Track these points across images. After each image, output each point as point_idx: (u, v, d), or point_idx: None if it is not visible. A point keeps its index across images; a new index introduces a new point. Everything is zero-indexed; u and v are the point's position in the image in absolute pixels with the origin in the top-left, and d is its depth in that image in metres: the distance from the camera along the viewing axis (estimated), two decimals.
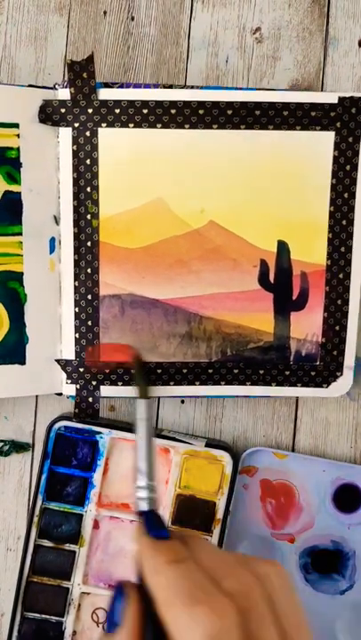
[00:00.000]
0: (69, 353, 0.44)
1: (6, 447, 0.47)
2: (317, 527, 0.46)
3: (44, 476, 0.45)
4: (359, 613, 0.46)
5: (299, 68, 0.46)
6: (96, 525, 0.46)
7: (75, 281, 0.44)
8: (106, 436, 0.45)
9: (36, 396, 0.48)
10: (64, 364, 0.44)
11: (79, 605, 0.46)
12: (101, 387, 0.44)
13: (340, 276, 0.44)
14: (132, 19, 0.46)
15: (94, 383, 0.44)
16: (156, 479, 0.36)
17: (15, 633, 0.45)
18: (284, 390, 0.45)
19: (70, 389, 0.44)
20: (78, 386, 0.44)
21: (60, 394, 0.45)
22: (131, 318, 0.44)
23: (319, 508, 0.46)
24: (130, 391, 0.44)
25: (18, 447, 0.47)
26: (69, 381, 0.44)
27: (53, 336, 0.44)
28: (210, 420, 0.48)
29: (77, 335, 0.44)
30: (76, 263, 0.44)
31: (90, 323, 0.44)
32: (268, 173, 0.44)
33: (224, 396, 0.45)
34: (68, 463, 0.45)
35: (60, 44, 0.47)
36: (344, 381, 0.45)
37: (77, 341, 0.44)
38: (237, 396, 0.45)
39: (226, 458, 0.45)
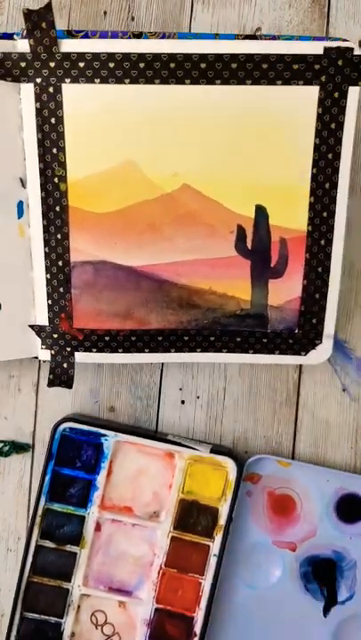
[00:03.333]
0: (43, 319, 0.44)
1: (6, 448, 0.48)
2: (319, 536, 0.46)
3: (47, 477, 0.45)
4: (359, 623, 0.46)
5: None
6: (98, 528, 0.46)
7: (45, 247, 0.43)
8: (110, 439, 0.45)
9: (37, 397, 0.48)
10: (38, 329, 0.44)
11: (79, 607, 0.46)
12: (75, 353, 0.44)
13: (322, 242, 0.42)
14: (133, 19, 0.46)
15: (68, 349, 0.44)
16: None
17: (14, 633, 0.45)
18: (261, 358, 0.44)
19: (45, 354, 0.44)
20: (53, 351, 0.44)
21: (36, 357, 0.45)
22: (103, 285, 0.43)
23: (321, 518, 0.46)
24: (104, 358, 0.44)
25: (18, 448, 0.48)
26: (44, 347, 0.44)
27: (26, 301, 0.44)
28: (210, 420, 0.48)
29: (50, 302, 0.44)
30: (46, 229, 0.42)
31: (62, 289, 0.43)
32: (245, 133, 0.41)
33: (200, 362, 0.45)
34: (72, 465, 0.46)
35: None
36: (323, 349, 0.44)
37: (50, 308, 0.44)
38: (214, 363, 0.45)
39: (230, 464, 0.45)
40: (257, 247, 0.42)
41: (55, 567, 0.46)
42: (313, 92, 0.40)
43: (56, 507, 0.46)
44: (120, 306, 0.43)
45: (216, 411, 0.47)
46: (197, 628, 0.45)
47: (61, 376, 0.44)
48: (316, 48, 0.39)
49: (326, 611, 0.46)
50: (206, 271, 0.43)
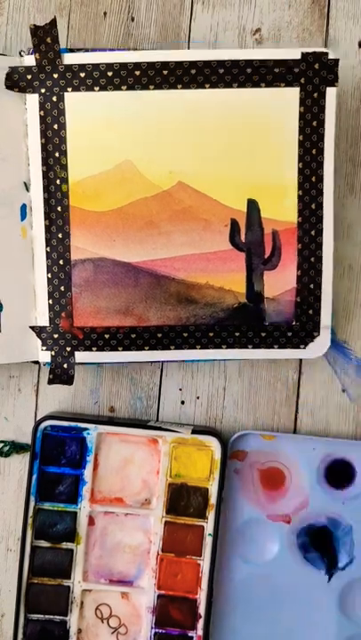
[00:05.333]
0: (44, 320, 0.44)
1: (6, 448, 0.47)
2: (312, 506, 0.47)
3: (34, 477, 0.45)
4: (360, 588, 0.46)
5: None
6: (91, 522, 0.46)
7: (46, 247, 0.44)
8: (93, 432, 0.45)
9: (37, 397, 0.48)
10: (38, 330, 0.44)
11: (82, 603, 0.46)
12: (76, 352, 0.45)
13: (312, 232, 0.44)
14: (133, 20, 0.47)
15: (69, 349, 0.45)
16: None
17: (20, 635, 0.45)
18: (260, 352, 0.45)
19: (45, 356, 0.45)
20: (53, 352, 0.45)
21: (37, 362, 0.45)
22: (103, 282, 0.44)
23: (312, 487, 0.47)
24: (104, 356, 0.45)
25: (18, 448, 0.48)
26: (44, 348, 0.45)
27: (27, 303, 0.45)
28: (210, 420, 0.48)
29: (51, 301, 0.44)
30: (47, 229, 0.44)
31: (63, 288, 0.44)
32: (234, 132, 0.44)
33: (201, 360, 0.46)
34: (57, 462, 0.46)
35: (61, 45, 0.47)
36: (322, 341, 0.45)
37: (51, 307, 0.44)
38: (215, 360, 0.46)
39: (214, 443, 0.45)
40: (250, 239, 0.44)
41: (53, 566, 0.45)
42: (294, 93, 0.44)
43: (47, 506, 0.46)
44: (119, 302, 0.44)
45: (216, 411, 0.48)
46: (201, 610, 0.45)
47: (61, 375, 0.45)
48: (294, 53, 0.43)
49: (330, 576, 0.46)
50: (203, 265, 0.44)
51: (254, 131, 0.44)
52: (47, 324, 0.44)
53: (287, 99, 0.43)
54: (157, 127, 0.44)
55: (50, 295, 0.44)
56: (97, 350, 0.44)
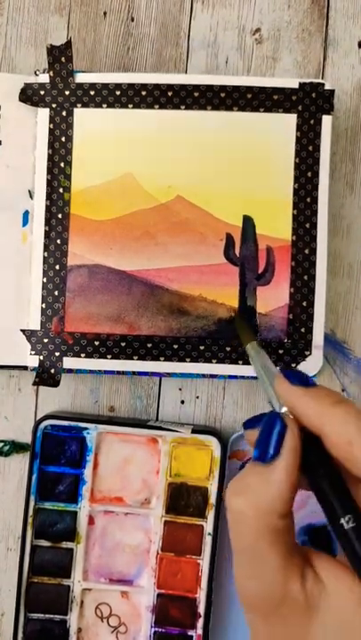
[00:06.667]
0: (35, 324, 0.45)
1: (7, 447, 0.47)
2: (311, 505, 0.46)
3: (34, 477, 0.45)
4: None
5: (298, 68, 0.47)
6: (91, 521, 0.46)
7: (44, 252, 0.45)
8: (93, 432, 0.45)
9: (37, 397, 0.48)
10: (29, 334, 0.45)
11: (82, 602, 0.46)
12: (64, 358, 0.45)
13: (306, 251, 0.45)
14: (132, 19, 0.47)
15: (57, 354, 0.45)
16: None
17: (20, 634, 0.45)
18: (251, 369, 0.44)
19: (34, 360, 0.45)
20: (42, 357, 0.45)
21: (26, 367, 0.45)
22: (97, 289, 0.45)
23: None
24: (92, 364, 0.45)
25: (18, 447, 0.48)
26: (33, 352, 0.45)
27: (20, 308, 0.45)
28: (210, 421, 0.48)
29: (44, 305, 0.45)
30: (47, 234, 0.45)
31: (57, 292, 0.45)
32: (233, 152, 0.45)
33: (190, 375, 0.45)
34: (57, 461, 0.46)
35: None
36: (313, 361, 0.45)
37: (43, 311, 0.45)
38: (204, 376, 0.46)
39: (214, 442, 0.45)
40: (245, 254, 0.45)
41: (53, 565, 0.45)
42: (291, 119, 0.45)
43: (47, 505, 0.46)
44: (111, 309, 0.45)
45: (216, 411, 0.48)
46: (201, 609, 0.45)
47: (48, 380, 0.45)
48: (292, 83, 0.45)
49: None
50: (197, 277, 0.45)
51: (252, 152, 0.45)
52: (38, 328, 0.45)
53: (285, 123, 0.45)
54: (159, 143, 0.45)
55: (43, 299, 0.45)
56: (85, 357, 0.45)
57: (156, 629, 0.46)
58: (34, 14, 0.47)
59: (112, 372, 0.45)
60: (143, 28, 0.47)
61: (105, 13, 0.47)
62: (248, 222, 0.45)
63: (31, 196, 0.45)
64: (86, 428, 0.45)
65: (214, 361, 0.45)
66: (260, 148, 0.45)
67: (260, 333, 0.45)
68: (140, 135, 0.45)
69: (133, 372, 0.45)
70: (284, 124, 0.45)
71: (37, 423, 0.45)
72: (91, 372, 0.45)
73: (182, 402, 0.48)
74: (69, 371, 0.45)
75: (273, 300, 0.45)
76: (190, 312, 0.45)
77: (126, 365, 0.45)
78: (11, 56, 0.47)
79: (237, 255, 0.45)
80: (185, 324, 0.45)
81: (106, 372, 0.45)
